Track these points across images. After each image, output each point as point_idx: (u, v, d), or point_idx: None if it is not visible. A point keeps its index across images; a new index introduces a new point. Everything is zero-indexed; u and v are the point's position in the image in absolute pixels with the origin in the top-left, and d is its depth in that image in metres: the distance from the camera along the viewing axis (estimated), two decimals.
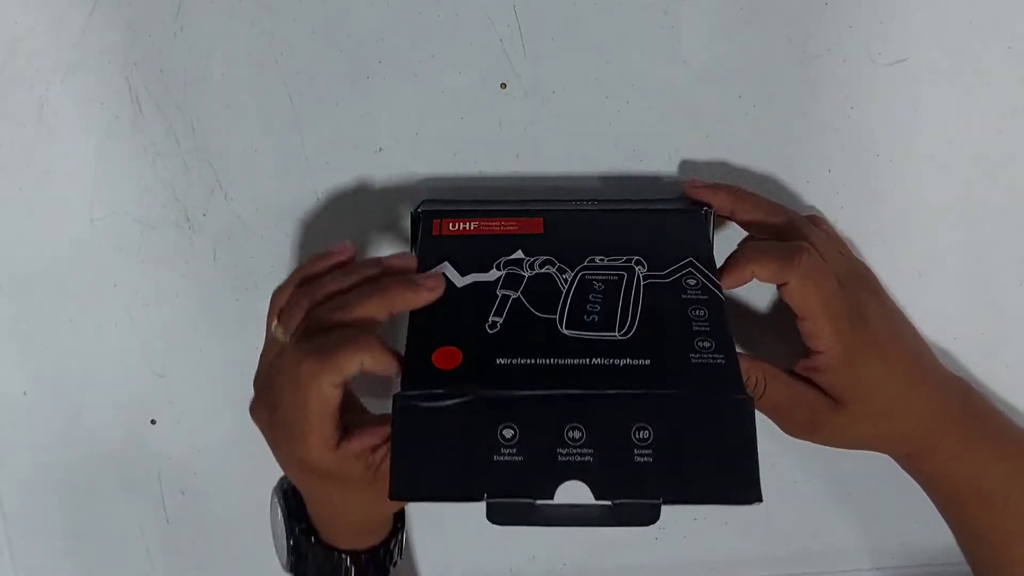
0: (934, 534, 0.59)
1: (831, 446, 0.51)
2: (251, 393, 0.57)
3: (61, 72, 0.55)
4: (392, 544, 0.53)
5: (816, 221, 0.52)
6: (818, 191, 0.55)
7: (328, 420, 0.42)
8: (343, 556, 0.50)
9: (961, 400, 0.51)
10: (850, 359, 0.47)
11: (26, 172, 0.56)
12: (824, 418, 0.48)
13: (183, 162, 0.56)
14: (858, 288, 0.49)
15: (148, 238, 0.57)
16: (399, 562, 0.54)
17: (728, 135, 0.54)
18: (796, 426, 0.50)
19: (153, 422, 0.60)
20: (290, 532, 0.52)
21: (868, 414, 0.48)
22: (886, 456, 0.52)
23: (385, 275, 0.45)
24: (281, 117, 0.55)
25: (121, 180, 0.56)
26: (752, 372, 0.48)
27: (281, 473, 0.51)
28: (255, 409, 0.46)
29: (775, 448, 0.58)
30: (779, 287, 0.47)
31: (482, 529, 0.60)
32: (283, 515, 0.52)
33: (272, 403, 0.44)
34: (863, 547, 0.61)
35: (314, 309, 0.44)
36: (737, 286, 0.47)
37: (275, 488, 0.54)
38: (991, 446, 0.50)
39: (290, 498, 0.52)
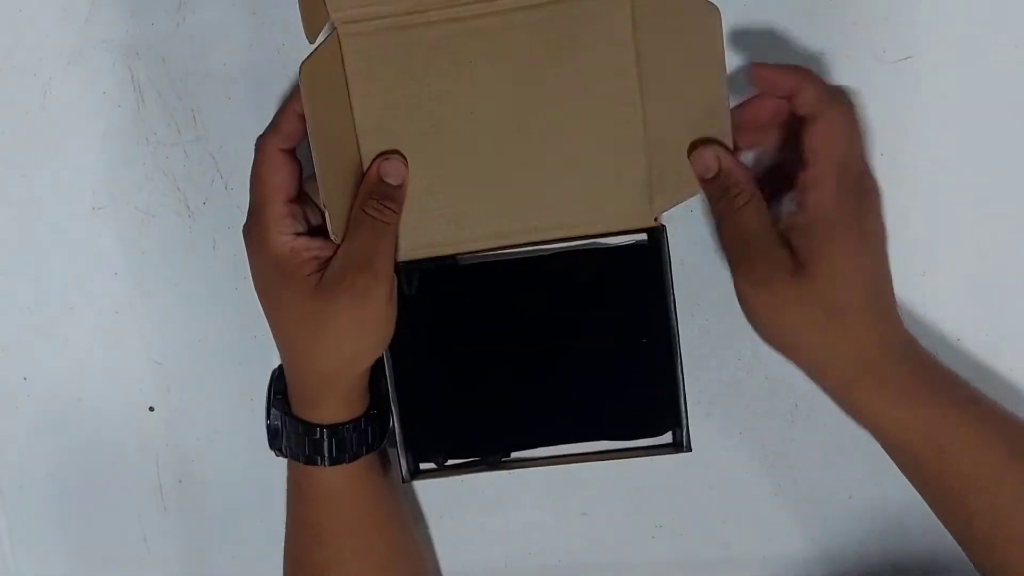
0: (939, 539, 0.58)
1: (764, 325, 0.46)
2: (250, 382, 0.58)
3: (64, 61, 0.55)
4: (363, 425, 0.52)
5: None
6: None
7: (279, 192, 0.48)
8: (312, 427, 0.51)
9: (908, 344, 0.48)
10: (834, 233, 0.44)
11: (28, 160, 0.56)
12: (778, 278, 0.45)
13: (184, 151, 0.56)
14: (871, 187, 0.47)
15: (148, 227, 0.57)
16: (377, 450, 0.54)
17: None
18: (746, 273, 0.46)
19: (152, 409, 0.60)
20: (268, 410, 0.54)
21: (824, 296, 0.44)
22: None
23: None
24: None
25: (122, 169, 0.57)
26: (744, 181, 0.46)
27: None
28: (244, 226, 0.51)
29: (775, 449, 0.58)
30: (805, 125, 0.45)
31: (478, 523, 0.60)
32: (267, 394, 0.55)
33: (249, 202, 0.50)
34: (862, 552, 0.60)
35: None
36: (772, 92, 0.47)
37: (270, 375, 0.57)
38: (935, 387, 0.46)
39: (274, 380, 0.55)
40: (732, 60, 0.52)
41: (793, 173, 0.47)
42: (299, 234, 0.49)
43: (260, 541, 0.61)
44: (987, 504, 0.46)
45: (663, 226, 0.51)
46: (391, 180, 0.49)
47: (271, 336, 0.53)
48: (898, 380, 0.46)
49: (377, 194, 0.49)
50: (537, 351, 0.53)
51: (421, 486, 0.60)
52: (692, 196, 0.51)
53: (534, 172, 0.50)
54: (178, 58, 0.55)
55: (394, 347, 0.52)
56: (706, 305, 0.56)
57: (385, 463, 0.56)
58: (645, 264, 0.51)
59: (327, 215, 0.47)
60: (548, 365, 0.53)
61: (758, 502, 0.59)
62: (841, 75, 0.53)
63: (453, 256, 0.52)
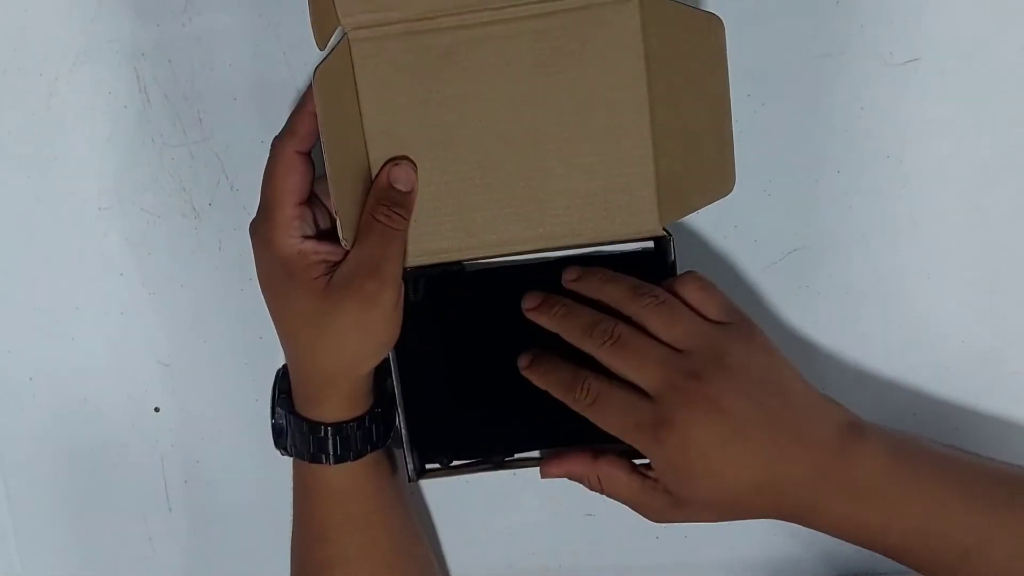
0: None
1: (699, 522, 0.49)
2: (255, 382, 0.58)
3: (70, 61, 0.55)
4: (367, 423, 0.53)
5: (680, 283, 0.49)
6: (826, 191, 0.54)
7: (291, 194, 0.48)
8: (316, 425, 0.51)
9: (840, 448, 0.45)
10: (669, 472, 0.46)
11: (34, 160, 0.57)
12: (668, 512, 0.48)
13: (190, 152, 0.56)
14: (710, 376, 0.45)
15: (154, 227, 0.57)
16: (381, 448, 0.54)
17: (736, 134, 0.53)
18: (648, 514, 0.49)
19: (157, 410, 0.60)
20: (273, 409, 0.54)
21: (712, 508, 0.47)
22: None
23: None
24: (287, 108, 0.55)
25: (128, 170, 0.57)
26: (589, 476, 0.50)
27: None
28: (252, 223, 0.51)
29: None
30: None
31: (481, 524, 0.60)
32: (272, 393, 0.55)
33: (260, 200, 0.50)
34: (867, 554, 0.60)
35: None
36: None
37: (275, 374, 0.56)
38: (896, 473, 0.45)
39: (279, 379, 0.55)
40: (740, 62, 0.52)
41: None
42: (307, 237, 0.49)
43: (265, 541, 0.61)
44: (983, 563, 0.44)
45: (670, 235, 0.51)
46: (400, 186, 0.49)
47: (277, 337, 0.53)
48: (844, 488, 0.45)
49: (387, 200, 0.49)
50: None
51: (426, 486, 0.61)
52: (701, 208, 0.51)
53: (543, 179, 0.50)
54: (184, 59, 0.55)
55: (400, 350, 0.52)
56: None
57: (391, 462, 0.56)
58: (652, 271, 0.51)
59: (339, 222, 0.48)
60: None
61: None
62: (847, 78, 0.53)
63: (460, 262, 0.52)
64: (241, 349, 0.59)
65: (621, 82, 0.49)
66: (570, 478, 0.51)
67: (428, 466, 0.55)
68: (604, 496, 0.50)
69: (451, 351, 0.54)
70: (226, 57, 0.55)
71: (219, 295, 0.58)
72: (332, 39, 0.48)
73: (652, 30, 0.48)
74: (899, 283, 0.55)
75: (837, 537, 0.47)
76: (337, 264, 0.49)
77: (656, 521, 0.49)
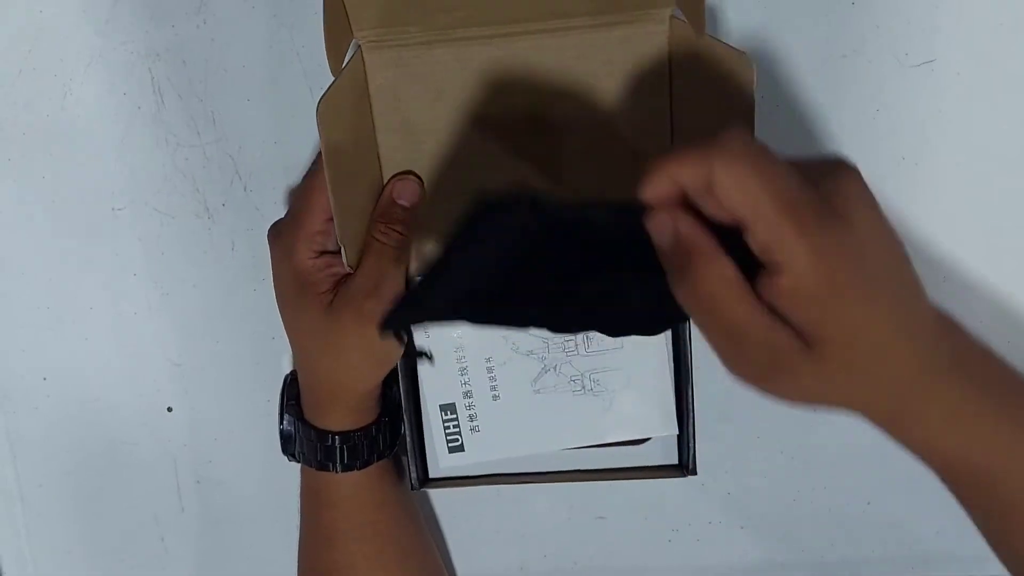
0: (958, 545, 0.58)
1: (788, 400, 0.37)
2: (267, 383, 0.58)
3: (84, 62, 0.55)
4: (374, 432, 0.53)
5: None
6: None
7: (323, 210, 0.48)
8: (324, 434, 0.52)
9: (952, 348, 0.38)
10: (828, 279, 0.33)
11: (49, 160, 0.57)
12: (788, 362, 0.35)
13: (203, 153, 0.56)
14: (837, 178, 0.35)
15: (168, 228, 0.57)
16: (388, 457, 0.54)
17: None
18: (749, 367, 0.36)
19: (170, 410, 0.60)
20: (281, 415, 0.54)
21: (847, 362, 0.35)
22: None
23: None
24: (301, 109, 0.55)
25: (142, 170, 0.57)
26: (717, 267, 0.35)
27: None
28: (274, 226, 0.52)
29: (793, 454, 0.58)
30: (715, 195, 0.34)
31: (494, 526, 0.60)
32: (280, 400, 0.55)
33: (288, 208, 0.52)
34: (882, 558, 0.60)
35: None
36: (659, 200, 0.35)
37: (283, 379, 0.57)
38: (986, 408, 0.38)
39: (287, 386, 0.55)
40: (755, 62, 0.52)
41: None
42: (324, 252, 0.50)
43: (277, 541, 0.61)
44: None
45: None
46: (403, 201, 0.50)
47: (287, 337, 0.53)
48: (943, 402, 0.37)
49: (385, 217, 0.49)
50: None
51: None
52: None
53: (561, 196, 0.49)
54: (198, 60, 0.55)
55: None
56: None
57: (399, 472, 0.57)
58: None
59: (343, 248, 0.48)
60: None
61: (775, 507, 0.59)
62: (863, 78, 0.53)
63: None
64: (253, 349, 0.59)
65: (643, 106, 0.48)
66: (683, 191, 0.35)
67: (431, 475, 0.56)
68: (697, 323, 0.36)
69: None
70: (240, 58, 0.55)
71: (232, 296, 0.58)
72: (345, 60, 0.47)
73: (679, 61, 0.48)
74: None
75: (919, 457, 0.39)
76: (345, 279, 0.49)
77: (749, 377, 0.36)
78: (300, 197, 0.50)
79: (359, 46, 0.48)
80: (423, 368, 0.55)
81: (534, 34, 0.48)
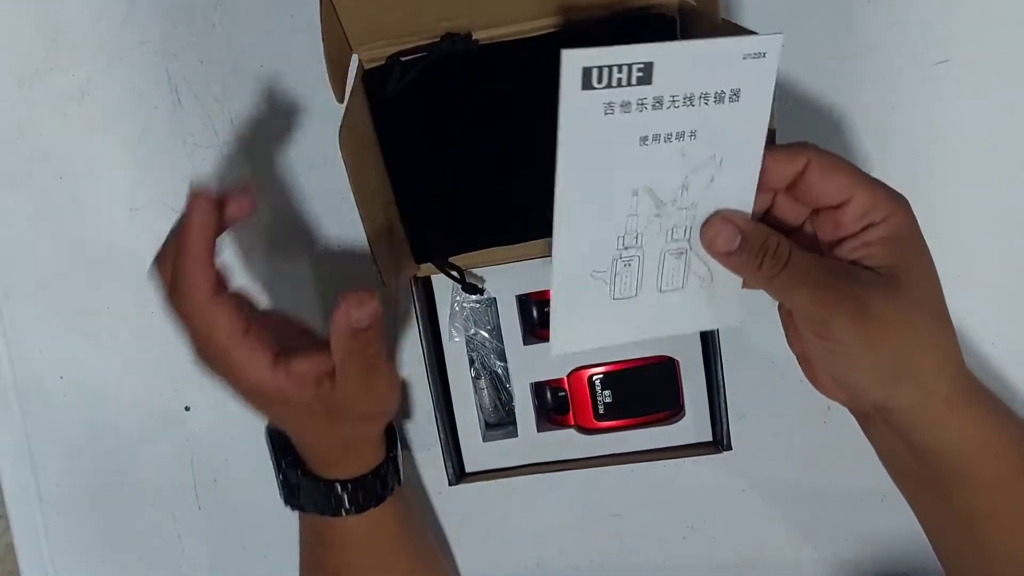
0: None
1: (858, 366, 0.41)
2: None
3: (102, 62, 0.55)
4: (383, 471, 0.52)
5: None
6: None
7: (236, 333, 0.42)
8: (333, 484, 0.50)
9: (959, 358, 0.44)
10: (916, 235, 0.41)
11: (67, 161, 0.57)
12: (872, 299, 0.39)
13: (220, 153, 0.56)
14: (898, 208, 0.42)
15: None
16: (397, 487, 0.53)
17: None
18: (832, 317, 0.39)
19: (187, 409, 0.60)
20: (278, 466, 0.52)
21: (918, 301, 0.40)
22: None
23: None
24: (318, 109, 0.55)
25: (159, 170, 0.57)
26: (774, 235, 0.41)
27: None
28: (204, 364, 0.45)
29: (809, 451, 0.58)
30: (797, 186, 0.41)
31: (510, 523, 0.60)
32: (270, 451, 0.53)
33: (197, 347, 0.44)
34: (896, 554, 0.60)
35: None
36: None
37: (264, 428, 0.54)
38: (976, 413, 0.43)
39: (274, 434, 0.53)
40: None
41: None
42: (278, 355, 0.43)
43: (293, 540, 0.61)
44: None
45: None
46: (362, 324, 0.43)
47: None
48: (940, 402, 0.43)
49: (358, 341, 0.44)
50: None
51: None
52: None
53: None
54: (214, 60, 0.55)
55: (390, 156, 0.49)
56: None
57: (405, 499, 0.55)
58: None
59: (377, 268, 0.46)
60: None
61: (791, 504, 0.59)
62: (879, 76, 0.53)
63: (469, 35, 0.48)
64: None
65: None
66: (747, 234, 0.41)
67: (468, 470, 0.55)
68: (763, 285, 0.41)
69: (443, 139, 0.49)
70: (257, 58, 0.55)
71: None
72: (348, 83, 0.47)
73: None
74: None
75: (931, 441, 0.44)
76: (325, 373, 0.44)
77: (840, 332, 0.40)
78: (208, 342, 0.43)
79: (360, 62, 0.48)
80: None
81: (542, 30, 0.48)
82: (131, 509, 0.62)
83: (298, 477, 0.51)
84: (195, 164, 0.57)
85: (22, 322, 0.60)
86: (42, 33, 0.55)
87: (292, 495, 0.52)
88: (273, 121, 0.56)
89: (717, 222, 0.41)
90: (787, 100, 0.53)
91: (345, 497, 0.51)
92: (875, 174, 0.53)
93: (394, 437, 0.55)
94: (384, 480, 0.52)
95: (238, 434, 0.61)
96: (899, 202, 0.41)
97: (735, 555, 0.60)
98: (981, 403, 0.44)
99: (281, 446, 0.53)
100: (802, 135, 0.53)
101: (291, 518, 0.60)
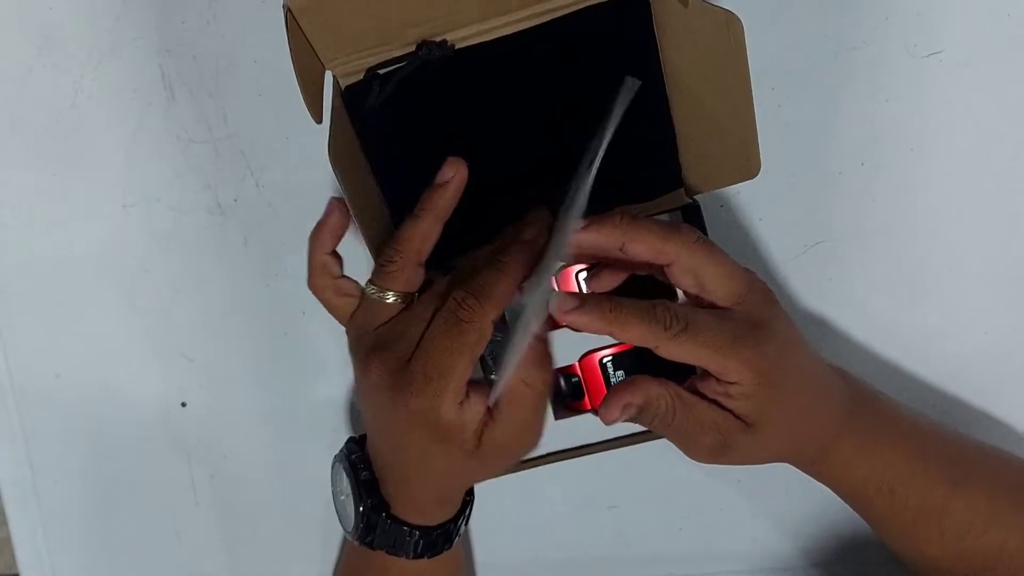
0: None
1: (736, 464, 0.47)
2: (281, 380, 0.59)
3: (95, 59, 0.55)
4: (460, 520, 0.52)
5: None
6: (850, 183, 0.55)
7: (467, 370, 0.43)
8: (414, 531, 0.49)
9: (849, 395, 0.48)
10: (767, 383, 0.43)
11: (60, 158, 0.57)
12: (734, 441, 0.44)
13: (215, 149, 0.56)
14: (755, 293, 0.44)
15: (179, 224, 0.58)
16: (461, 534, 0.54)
17: (760, 127, 0.53)
18: (703, 450, 0.45)
19: (183, 405, 0.60)
20: (359, 501, 0.50)
21: (780, 432, 0.45)
22: None
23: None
24: None
25: (153, 166, 0.57)
26: (663, 398, 0.44)
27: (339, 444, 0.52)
28: (372, 359, 0.45)
29: None
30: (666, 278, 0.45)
31: (507, 515, 0.61)
32: (352, 486, 0.50)
33: (403, 353, 0.43)
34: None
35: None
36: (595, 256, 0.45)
37: (338, 456, 0.52)
38: (883, 438, 0.49)
39: (359, 469, 0.51)
40: (765, 55, 0.52)
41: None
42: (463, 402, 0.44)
43: (290, 537, 0.61)
44: (936, 531, 0.49)
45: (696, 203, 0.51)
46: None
47: (300, 333, 0.53)
48: (852, 441, 0.48)
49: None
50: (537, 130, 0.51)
51: None
52: (726, 186, 0.52)
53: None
54: (209, 55, 0.55)
55: (379, 170, 0.50)
56: None
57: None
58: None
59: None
60: (550, 141, 0.50)
61: (786, 495, 0.59)
62: (872, 69, 0.53)
63: (445, 42, 0.49)
64: (266, 344, 0.59)
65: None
66: (641, 407, 0.44)
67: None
68: (657, 430, 0.45)
69: (430, 148, 0.49)
70: (251, 53, 0.55)
71: (244, 291, 0.58)
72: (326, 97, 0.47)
73: (665, 31, 0.48)
74: (922, 276, 0.55)
75: (830, 487, 0.50)
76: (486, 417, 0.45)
77: (703, 457, 0.45)
78: (429, 359, 0.43)
79: (335, 79, 0.48)
80: None
81: (514, 24, 0.48)
82: (128, 506, 0.62)
83: (380, 519, 0.49)
84: (189, 160, 0.56)
85: (17, 320, 0.59)
86: (35, 30, 0.55)
87: (368, 533, 0.50)
88: (268, 117, 0.55)
89: (609, 401, 0.44)
90: (779, 94, 0.53)
91: (421, 542, 0.50)
92: (869, 169, 0.54)
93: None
94: (459, 528, 0.52)
95: (235, 430, 0.61)
96: (748, 364, 0.42)
97: (730, 546, 0.61)
98: (875, 432, 0.49)
99: (364, 485, 0.50)
100: (794, 129, 0.54)
101: (289, 515, 0.61)
